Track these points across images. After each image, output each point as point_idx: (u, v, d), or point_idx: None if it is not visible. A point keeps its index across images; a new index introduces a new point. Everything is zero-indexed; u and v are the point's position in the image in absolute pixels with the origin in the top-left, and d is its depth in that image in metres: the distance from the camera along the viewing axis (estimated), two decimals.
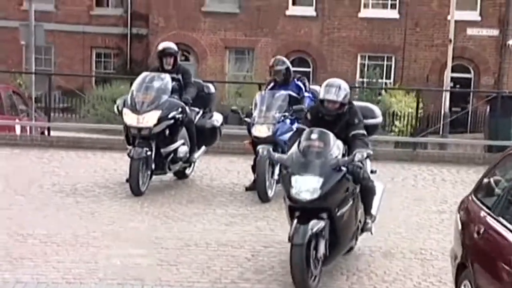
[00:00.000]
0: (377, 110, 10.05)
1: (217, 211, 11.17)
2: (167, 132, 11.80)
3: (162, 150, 11.83)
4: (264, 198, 11.54)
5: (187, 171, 13.14)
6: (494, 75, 31.60)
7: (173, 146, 11.97)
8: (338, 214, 7.71)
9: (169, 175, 12.85)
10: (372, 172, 9.04)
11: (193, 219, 10.60)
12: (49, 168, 13.68)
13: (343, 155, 8.01)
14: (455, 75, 29.38)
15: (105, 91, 29.96)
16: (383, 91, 30.03)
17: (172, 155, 12.03)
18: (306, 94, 12.46)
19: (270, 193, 11.70)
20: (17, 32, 26.11)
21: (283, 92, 12.11)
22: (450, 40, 29.01)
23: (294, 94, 12.20)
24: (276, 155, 8.75)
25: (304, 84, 12.61)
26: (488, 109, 22.84)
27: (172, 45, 12.87)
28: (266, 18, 30.51)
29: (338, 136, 8.08)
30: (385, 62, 32.30)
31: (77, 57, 33.12)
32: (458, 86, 30.81)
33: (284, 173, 8.13)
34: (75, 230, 9.51)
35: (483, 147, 20.47)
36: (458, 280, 6.28)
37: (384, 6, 32.78)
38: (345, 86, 8.49)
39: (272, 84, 12.54)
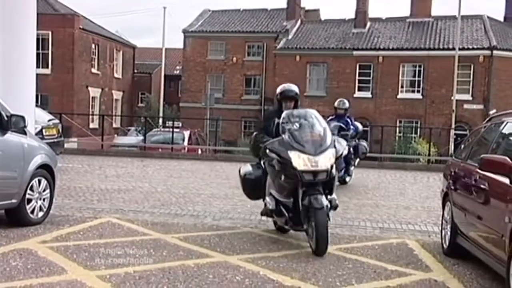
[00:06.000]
0: None
1: None
2: None
3: None
4: (343, 183, 11.20)
5: None
6: None
7: None
8: None
9: None
10: None
11: None
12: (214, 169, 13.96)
13: None
14: (457, 132, 28.29)
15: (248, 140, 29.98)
16: (413, 141, 29.16)
17: None
18: (351, 127, 11.72)
19: (349, 180, 11.66)
20: (204, 110, 27.52)
21: (336, 123, 11.25)
22: (453, 111, 28.14)
23: (343, 126, 11.43)
24: None
25: (351, 120, 11.94)
26: None
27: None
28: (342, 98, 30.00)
29: None
30: (414, 124, 31.49)
31: (234, 122, 33.06)
32: (459, 138, 29.51)
33: None
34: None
35: None
36: (444, 203, 6.20)
37: (413, 91, 32.11)
38: None
39: (332, 116, 11.67)
